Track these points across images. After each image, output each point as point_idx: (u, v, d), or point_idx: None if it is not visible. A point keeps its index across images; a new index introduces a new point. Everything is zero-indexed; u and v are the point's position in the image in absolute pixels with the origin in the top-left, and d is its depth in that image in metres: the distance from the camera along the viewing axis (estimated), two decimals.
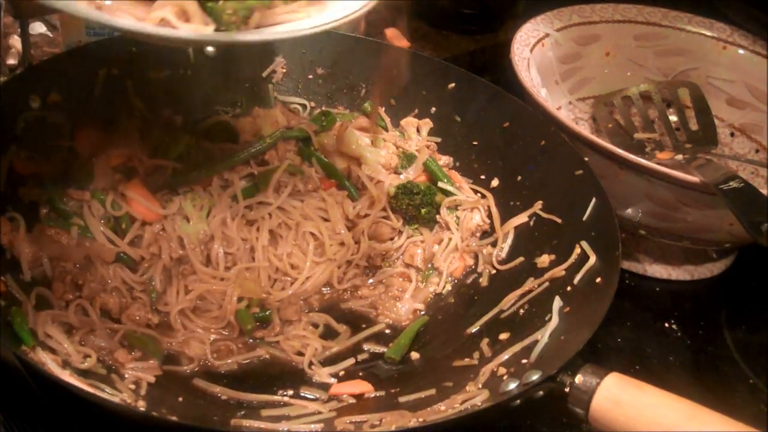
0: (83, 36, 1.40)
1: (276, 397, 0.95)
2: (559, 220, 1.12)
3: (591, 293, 0.98)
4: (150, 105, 1.24)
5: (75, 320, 0.96)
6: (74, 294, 1.00)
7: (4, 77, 1.40)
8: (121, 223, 1.07)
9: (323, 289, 1.13)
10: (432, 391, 0.94)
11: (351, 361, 1.04)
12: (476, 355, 0.99)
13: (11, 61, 1.47)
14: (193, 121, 1.26)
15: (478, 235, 1.20)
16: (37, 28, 1.58)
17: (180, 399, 0.93)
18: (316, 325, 1.08)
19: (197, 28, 0.81)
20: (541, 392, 0.85)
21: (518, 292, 1.06)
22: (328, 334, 1.08)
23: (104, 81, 1.19)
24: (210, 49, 1.24)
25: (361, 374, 1.01)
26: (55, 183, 1.10)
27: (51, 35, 1.59)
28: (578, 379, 0.82)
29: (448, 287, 1.16)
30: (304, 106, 1.36)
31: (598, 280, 0.99)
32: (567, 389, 0.83)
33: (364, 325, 1.10)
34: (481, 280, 1.15)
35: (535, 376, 0.85)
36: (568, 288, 1.01)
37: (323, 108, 1.34)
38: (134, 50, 1.21)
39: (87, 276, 1.01)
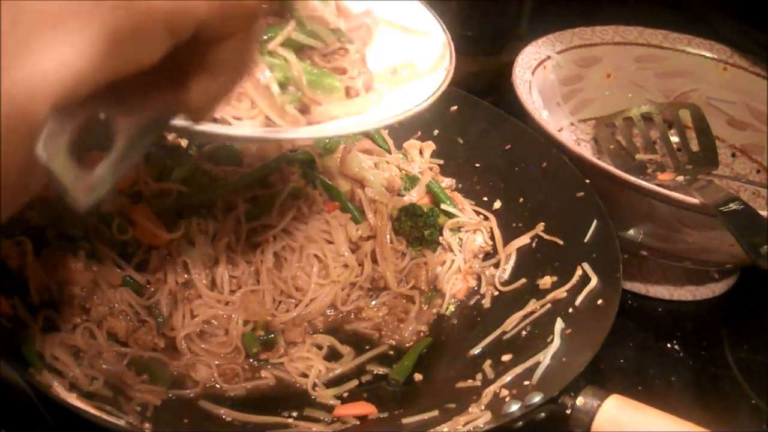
0: None
1: (280, 419, 0.96)
2: (560, 242, 1.13)
3: (592, 315, 0.99)
4: None
5: (82, 343, 0.97)
6: (82, 317, 1.01)
7: None
8: (127, 247, 1.08)
9: (327, 310, 1.14)
10: (435, 413, 0.95)
11: (355, 382, 1.04)
12: (479, 376, 1.00)
13: None
14: (198, 144, 1.27)
15: (480, 256, 1.21)
16: None
17: (186, 421, 0.93)
18: (320, 347, 1.08)
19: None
20: (542, 414, 0.86)
21: (521, 313, 1.07)
22: (332, 355, 1.08)
23: None
24: None
25: (364, 396, 1.02)
26: (62, 206, 1.11)
27: None
28: (579, 401, 0.83)
29: (451, 308, 1.17)
30: None
31: (600, 301, 1.00)
32: (568, 411, 0.84)
33: (367, 347, 1.10)
34: (483, 301, 1.16)
35: (536, 398, 0.85)
36: (570, 310, 1.02)
37: None
38: None
39: (94, 300, 1.02)
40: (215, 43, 0.47)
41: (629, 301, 1.30)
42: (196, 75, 0.48)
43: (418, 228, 1.19)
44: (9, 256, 1.02)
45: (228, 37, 0.47)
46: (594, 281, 1.03)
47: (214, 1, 0.42)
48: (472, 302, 1.17)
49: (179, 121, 0.65)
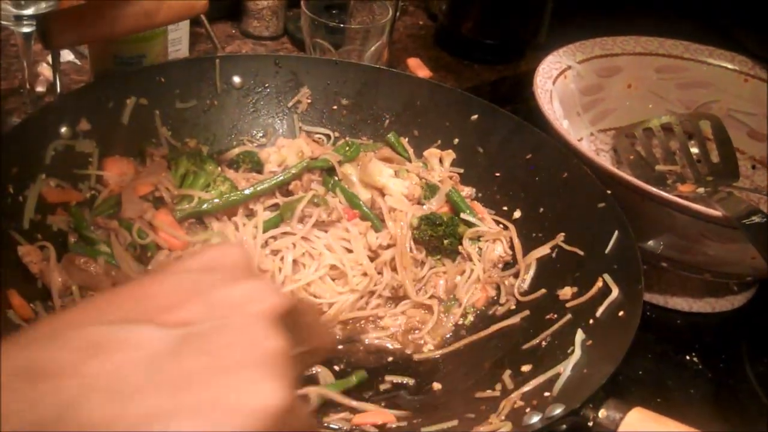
0: (111, 65, 1.42)
1: None
2: (581, 253, 1.12)
3: (614, 327, 0.98)
4: (177, 134, 1.26)
5: None
6: None
7: (33, 104, 1.42)
8: (147, 252, 1.09)
9: (345, 319, 1.13)
10: (454, 423, 0.95)
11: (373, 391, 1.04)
12: (498, 386, 1.00)
13: (40, 88, 1.50)
14: (219, 151, 1.28)
15: (500, 266, 1.21)
16: (66, 56, 1.61)
17: None
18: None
19: None
20: (564, 426, 0.85)
21: (540, 324, 1.07)
22: (350, 363, 1.08)
23: (132, 110, 1.21)
24: (237, 79, 1.27)
25: (383, 404, 1.02)
26: (84, 211, 1.11)
27: (79, 63, 1.62)
28: (601, 413, 0.83)
29: (471, 318, 1.17)
30: (328, 137, 1.37)
31: (621, 313, 0.99)
32: (590, 423, 0.83)
33: (386, 356, 1.10)
34: (503, 311, 1.15)
35: (558, 410, 0.85)
36: (591, 321, 1.01)
37: (347, 138, 1.35)
38: (162, 80, 1.23)
39: None
40: None
41: (648, 313, 1.29)
42: None
43: (438, 237, 1.18)
44: (32, 261, 1.02)
45: None
46: (615, 292, 1.02)
47: None
48: (491, 312, 1.16)
49: None
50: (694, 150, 1.47)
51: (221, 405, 0.48)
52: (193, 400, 0.47)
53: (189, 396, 0.48)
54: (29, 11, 1.19)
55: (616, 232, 1.08)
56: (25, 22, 1.25)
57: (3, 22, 1.24)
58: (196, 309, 0.53)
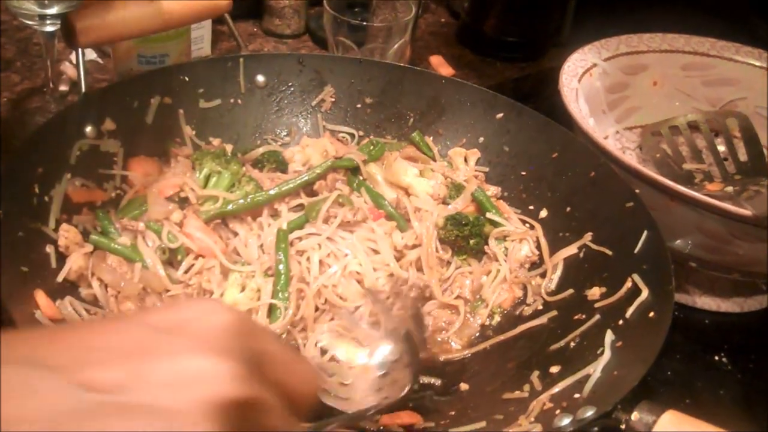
0: (135, 64, 1.42)
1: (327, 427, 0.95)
2: (609, 253, 1.11)
3: (644, 328, 0.97)
4: (201, 134, 1.26)
5: None
6: None
7: (56, 103, 1.42)
8: (177, 255, 1.08)
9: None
10: (482, 424, 0.94)
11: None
12: (527, 387, 0.99)
13: (63, 87, 1.50)
14: (243, 150, 1.28)
15: (526, 266, 1.20)
16: (88, 54, 1.60)
17: None
18: None
19: None
20: (595, 429, 0.84)
21: (568, 324, 1.06)
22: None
23: (157, 109, 1.21)
24: (261, 78, 1.26)
25: (410, 405, 1.01)
26: (109, 212, 1.11)
27: (101, 62, 1.61)
28: (634, 416, 0.82)
29: (497, 318, 1.16)
30: (352, 135, 1.36)
31: (651, 314, 0.98)
32: (622, 426, 0.82)
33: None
34: (530, 311, 1.14)
35: (589, 412, 0.84)
36: (620, 322, 1.00)
37: (372, 137, 1.34)
38: (186, 79, 1.23)
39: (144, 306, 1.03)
40: None
41: (676, 312, 1.26)
42: None
43: (464, 237, 1.17)
44: (66, 237, 1.03)
45: None
46: (645, 293, 1.01)
47: None
48: (518, 312, 1.15)
49: None
50: (722, 148, 1.46)
51: None
52: None
53: None
54: (53, 10, 1.18)
55: (646, 232, 1.07)
56: (48, 21, 1.24)
57: (27, 21, 1.24)
58: (123, 375, 0.46)
